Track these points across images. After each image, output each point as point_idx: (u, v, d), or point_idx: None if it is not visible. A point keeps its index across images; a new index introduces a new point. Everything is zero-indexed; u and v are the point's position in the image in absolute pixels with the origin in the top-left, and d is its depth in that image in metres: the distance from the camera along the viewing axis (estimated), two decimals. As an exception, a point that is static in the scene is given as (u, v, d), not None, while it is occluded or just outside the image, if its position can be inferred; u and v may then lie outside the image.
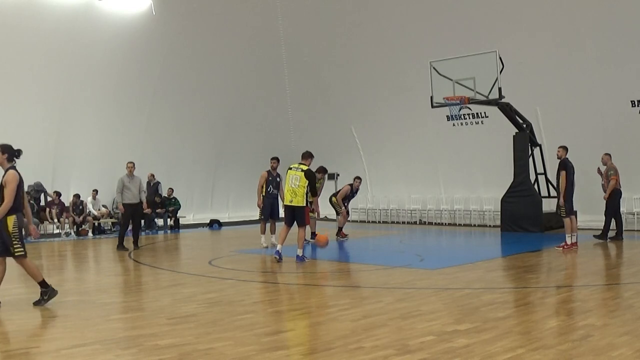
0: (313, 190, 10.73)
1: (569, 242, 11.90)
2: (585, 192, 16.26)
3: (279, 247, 10.77)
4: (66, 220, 17.57)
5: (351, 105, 21.48)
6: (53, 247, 14.99)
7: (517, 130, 16.14)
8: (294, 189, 10.55)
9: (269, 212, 13.25)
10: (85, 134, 18.87)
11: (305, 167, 10.63)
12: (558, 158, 12.21)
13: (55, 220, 17.45)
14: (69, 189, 18.37)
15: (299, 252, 10.75)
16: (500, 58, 14.83)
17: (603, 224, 13.42)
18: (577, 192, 16.53)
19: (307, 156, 10.85)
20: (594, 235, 13.43)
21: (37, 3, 17.07)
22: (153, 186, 19.88)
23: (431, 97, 16.04)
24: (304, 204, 10.58)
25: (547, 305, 6.96)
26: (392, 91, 19.99)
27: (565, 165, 11.95)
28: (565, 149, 12.21)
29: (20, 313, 6.93)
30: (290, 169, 10.79)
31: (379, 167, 21.75)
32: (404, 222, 20.47)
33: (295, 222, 10.76)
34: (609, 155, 13.44)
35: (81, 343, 5.47)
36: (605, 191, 13.26)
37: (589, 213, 16.05)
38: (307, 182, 10.50)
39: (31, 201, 16.90)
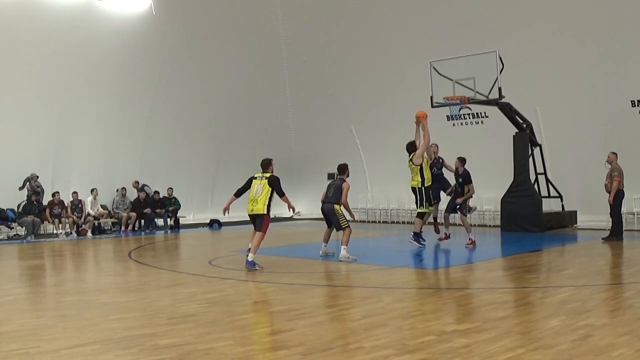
0: (279, 192, 10.64)
1: (473, 238, 12.90)
2: (586, 192, 16.25)
3: (250, 256, 10.19)
4: (66, 220, 17.55)
5: (351, 105, 21.46)
6: (53, 247, 14.98)
7: (517, 130, 16.14)
8: (255, 198, 10.49)
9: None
10: (85, 134, 18.85)
11: (268, 175, 10.64)
12: (456, 171, 13.27)
13: (56, 220, 17.43)
14: (69, 189, 18.33)
15: (250, 257, 10.20)
16: (500, 58, 14.82)
17: (605, 224, 13.39)
18: (578, 191, 16.50)
19: (268, 164, 10.86)
20: (603, 238, 13.35)
21: (37, 3, 17.05)
22: (141, 189, 19.62)
23: (431, 97, 16.04)
24: (265, 212, 10.47)
25: (547, 305, 6.96)
26: (392, 91, 19.97)
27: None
28: (462, 160, 13.27)
29: (20, 313, 6.94)
30: (255, 178, 10.72)
31: (379, 167, 21.73)
32: (404, 222, 20.45)
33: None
34: (616, 154, 13.29)
35: (81, 343, 5.47)
36: (607, 191, 13.22)
37: (589, 213, 16.05)
38: (271, 189, 10.50)
39: (33, 198, 16.86)
